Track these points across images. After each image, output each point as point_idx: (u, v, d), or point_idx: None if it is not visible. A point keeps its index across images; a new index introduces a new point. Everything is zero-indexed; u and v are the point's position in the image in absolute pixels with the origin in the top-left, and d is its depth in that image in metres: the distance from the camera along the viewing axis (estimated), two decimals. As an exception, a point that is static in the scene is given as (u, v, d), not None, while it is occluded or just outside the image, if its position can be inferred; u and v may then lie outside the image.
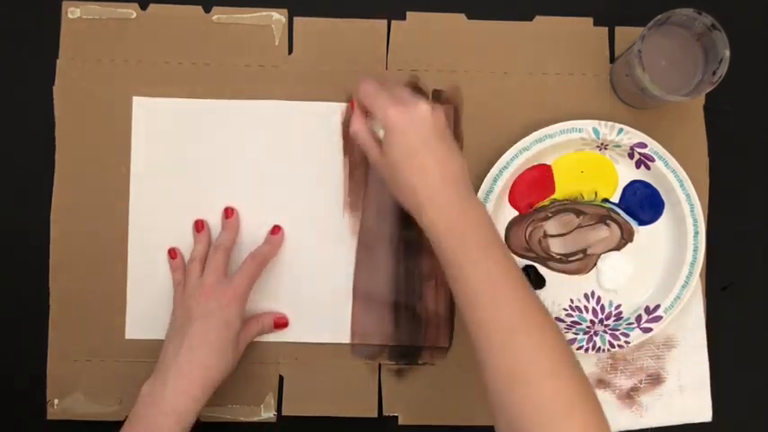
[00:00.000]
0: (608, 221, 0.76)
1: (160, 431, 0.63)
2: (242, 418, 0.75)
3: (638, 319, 0.74)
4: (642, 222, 0.76)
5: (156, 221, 0.75)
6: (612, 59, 0.77)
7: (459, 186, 0.62)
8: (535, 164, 0.75)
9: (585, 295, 0.76)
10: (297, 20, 0.76)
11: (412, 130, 0.62)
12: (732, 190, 0.77)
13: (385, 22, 0.77)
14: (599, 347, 0.73)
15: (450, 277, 0.61)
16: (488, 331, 0.58)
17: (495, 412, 0.57)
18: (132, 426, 0.64)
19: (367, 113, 0.67)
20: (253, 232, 0.75)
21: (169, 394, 0.64)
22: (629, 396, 0.75)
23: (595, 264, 0.76)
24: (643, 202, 0.76)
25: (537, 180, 0.75)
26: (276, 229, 0.75)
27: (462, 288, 0.60)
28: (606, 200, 0.76)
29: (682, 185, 0.73)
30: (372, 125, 0.67)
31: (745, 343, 0.77)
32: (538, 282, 0.75)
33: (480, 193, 0.73)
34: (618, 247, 0.76)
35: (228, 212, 0.75)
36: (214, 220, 0.75)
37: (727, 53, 0.66)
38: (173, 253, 0.74)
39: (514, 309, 0.58)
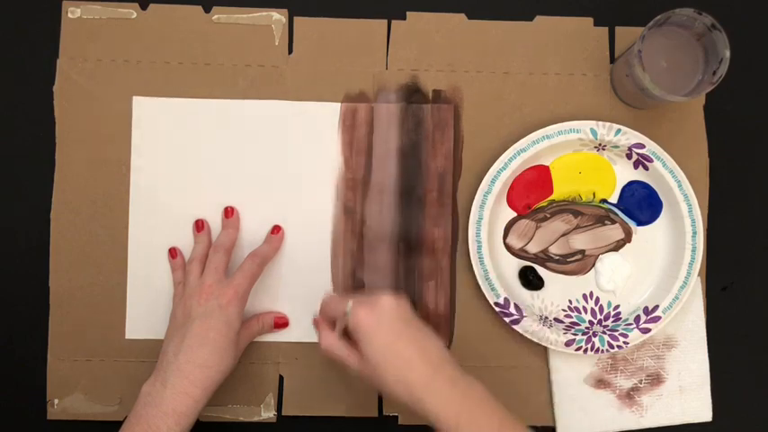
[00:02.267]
0: (606, 222, 0.76)
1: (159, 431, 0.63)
2: (242, 418, 0.75)
3: (637, 319, 0.74)
4: (640, 223, 0.76)
5: (156, 221, 0.75)
6: (612, 59, 0.77)
7: (450, 367, 0.62)
8: (533, 165, 0.75)
9: (584, 296, 0.76)
10: (297, 20, 0.76)
11: (384, 325, 0.62)
12: (732, 190, 0.77)
13: (385, 22, 0.77)
14: (598, 348, 0.73)
15: None
16: None
17: None
18: (132, 426, 0.64)
19: (333, 326, 0.66)
20: (253, 232, 0.75)
21: (169, 394, 0.64)
22: (629, 396, 0.75)
23: (594, 264, 0.76)
24: (641, 203, 0.75)
25: (535, 181, 0.75)
26: (276, 229, 0.75)
27: None
28: (604, 200, 0.76)
29: (680, 186, 0.73)
30: (339, 328, 0.66)
31: (745, 343, 0.77)
32: (537, 283, 0.75)
33: (478, 194, 0.73)
34: (616, 248, 0.76)
35: (228, 212, 0.75)
36: (214, 220, 0.75)
37: (728, 53, 0.66)
38: (173, 252, 0.74)
39: None
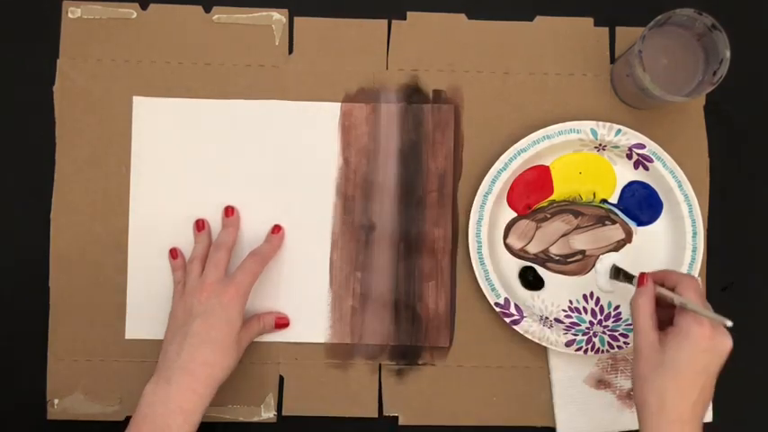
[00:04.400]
0: (606, 222, 0.76)
1: (169, 430, 0.63)
2: (242, 418, 0.75)
3: (638, 319, 0.74)
4: (641, 223, 0.76)
5: (156, 221, 0.75)
6: (613, 60, 0.77)
7: (696, 426, 0.61)
8: (533, 165, 0.75)
9: (584, 296, 0.76)
10: (297, 20, 0.76)
11: (706, 354, 0.61)
12: (732, 190, 0.77)
13: (385, 22, 0.77)
14: (598, 348, 0.73)
15: None
16: None
17: None
18: (138, 426, 0.63)
19: (657, 301, 0.64)
20: (253, 232, 0.75)
21: (174, 392, 0.64)
22: (630, 396, 0.75)
23: (594, 265, 0.76)
24: (641, 203, 0.75)
25: (535, 181, 0.75)
26: (276, 229, 0.75)
27: None
28: (605, 201, 0.76)
29: (680, 186, 0.73)
30: (666, 297, 0.63)
31: (745, 343, 0.77)
32: (537, 283, 0.75)
33: (479, 194, 0.73)
34: (616, 248, 0.76)
35: (229, 211, 0.75)
36: (214, 220, 0.75)
37: (728, 53, 0.66)
38: (174, 252, 0.74)
39: None
